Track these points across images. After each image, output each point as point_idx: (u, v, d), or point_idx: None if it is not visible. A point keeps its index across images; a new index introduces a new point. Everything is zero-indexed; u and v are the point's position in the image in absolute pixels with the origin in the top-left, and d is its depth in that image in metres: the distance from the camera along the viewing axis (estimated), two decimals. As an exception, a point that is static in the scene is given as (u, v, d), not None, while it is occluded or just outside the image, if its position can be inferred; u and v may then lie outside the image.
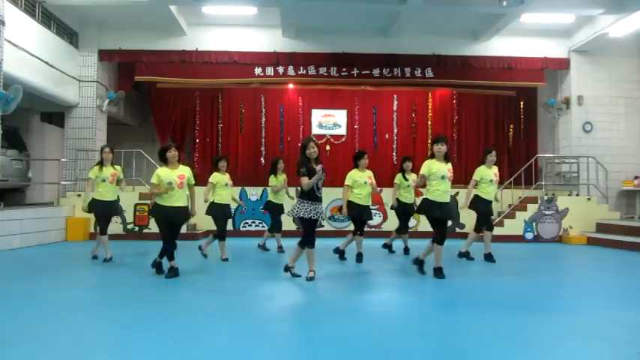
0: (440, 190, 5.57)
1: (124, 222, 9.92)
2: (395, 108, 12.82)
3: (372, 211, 7.25)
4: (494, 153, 7.10)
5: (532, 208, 10.19)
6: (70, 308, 4.32)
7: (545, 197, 10.36)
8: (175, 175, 5.58)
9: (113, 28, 11.00)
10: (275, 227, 8.02)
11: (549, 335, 3.51)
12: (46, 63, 9.44)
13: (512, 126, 13.01)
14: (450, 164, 5.71)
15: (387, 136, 12.72)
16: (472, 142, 12.72)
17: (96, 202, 6.77)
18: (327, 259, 6.92)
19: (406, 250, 7.74)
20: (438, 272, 5.65)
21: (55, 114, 12.24)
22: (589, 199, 10.57)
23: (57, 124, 12.44)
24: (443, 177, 5.53)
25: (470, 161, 12.33)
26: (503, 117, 13.03)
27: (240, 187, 10.66)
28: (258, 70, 11.32)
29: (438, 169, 5.56)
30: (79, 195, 10.12)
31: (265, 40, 11.26)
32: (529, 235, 10.12)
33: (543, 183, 11.10)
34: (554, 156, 11.85)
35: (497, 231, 9.88)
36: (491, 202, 7.07)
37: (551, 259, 7.87)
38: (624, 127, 11.57)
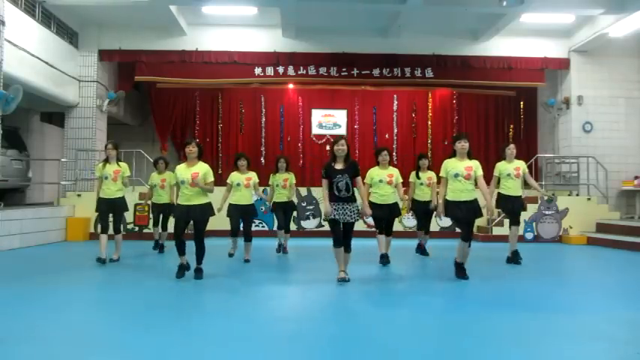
0: (456, 190, 5.44)
1: (124, 222, 9.90)
2: (395, 108, 12.83)
3: None
4: (511, 146, 6.96)
5: (532, 208, 10.18)
6: (70, 308, 4.32)
7: (545, 197, 10.36)
8: (189, 173, 5.37)
9: (113, 28, 11.00)
10: (280, 225, 7.73)
11: (549, 335, 3.51)
12: (46, 63, 9.44)
13: (512, 126, 13.01)
14: (474, 162, 5.54)
15: (387, 136, 12.73)
16: (472, 143, 12.54)
17: (99, 200, 6.65)
18: (329, 260, 6.89)
19: (423, 250, 7.60)
20: (459, 270, 5.56)
21: (55, 114, 12.26)
22: (589, 199, 10.57)
23: (57, 124, 12.46)
24: (456, 175, 5.42)
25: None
26: (503, 117, 13.04)
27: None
28: (258, 70, 11.32)
29: (452, 167, 5.49)
30: (79, 195, 10.12)
31: (265, 40, 11.25)
32: (529, 235, 10.12)
33: (543, 183, 11.08)
34: (554, 156, 11.85)
35: (497, 231, 9.90)
36: (517, 197, 6.81)
37: (551, 259, 7.87)
38: (624, 127, 11.57)
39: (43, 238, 8.91)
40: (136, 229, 9.99)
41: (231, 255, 6.96)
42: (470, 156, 5.57)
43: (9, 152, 9.62)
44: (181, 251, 5.51)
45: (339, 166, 5.24)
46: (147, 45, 11.08)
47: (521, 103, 12.94)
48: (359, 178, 5.32)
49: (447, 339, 3.46)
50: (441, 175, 5.60)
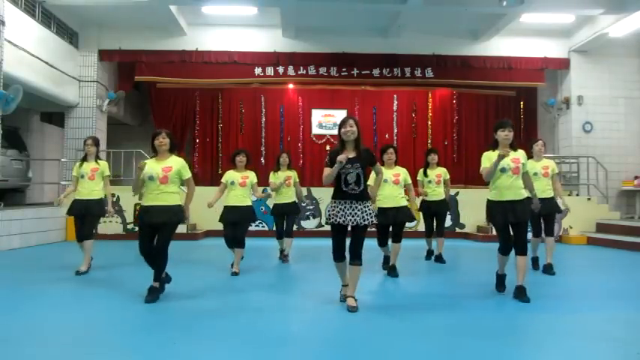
0: (500, 187, 4.56)
1: (123, 222, 9.91)
2: (395, 108, 12.83)
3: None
4: (539, 142, 6.30)
5: (532, 208, 10.16)
6: (71, 308, 4.32)
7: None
8: (160, 167, 4.44)
9: (113, 28, 11.01)
10: (279, 232, 6.88)
11: (549, 335, 3.51)
12: (46, 63, 9.44)
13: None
14: (519, 152, 4.62)
15: (387, 136, 12.73)
16: (472, 142, 12.73)
17: (73, 202, 5.93)
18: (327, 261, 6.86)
19: (430, 254, 7.07)
20: (520, 293, 4.62)
21: (55, 114, 12.27)
22: (589, 199, 10.57)
23: (57, 124, 12.47)
24: (503, 170, 4.50)
25: (470, 161, 12.35)
26: (503, 117, 12.90)
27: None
28: (258, 70, 11.33)
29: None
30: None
31: (265, 40, 11.26)
32: (529, 236, 10.09)
33: (543, 183, 11.08)
34: (554, 156, 11.81)
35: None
36: (546, 199, 5.92)
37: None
38: (624, 127, 11.58)
39: (43, 238, 8.90)
40: (136, 229, 9.94)
41: (234, 274, 5.81)
42: (513, 147, 4.60)
43: (9, 152, 9.61)
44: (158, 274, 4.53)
45: (348, 153, 4.17)
46: (147, 45, 11.09)
47: (521, 103, 12.94)
48: (376, 166, 4.37)
49: (445, 339, 3.46)
50: (484, 167, 4.64)
